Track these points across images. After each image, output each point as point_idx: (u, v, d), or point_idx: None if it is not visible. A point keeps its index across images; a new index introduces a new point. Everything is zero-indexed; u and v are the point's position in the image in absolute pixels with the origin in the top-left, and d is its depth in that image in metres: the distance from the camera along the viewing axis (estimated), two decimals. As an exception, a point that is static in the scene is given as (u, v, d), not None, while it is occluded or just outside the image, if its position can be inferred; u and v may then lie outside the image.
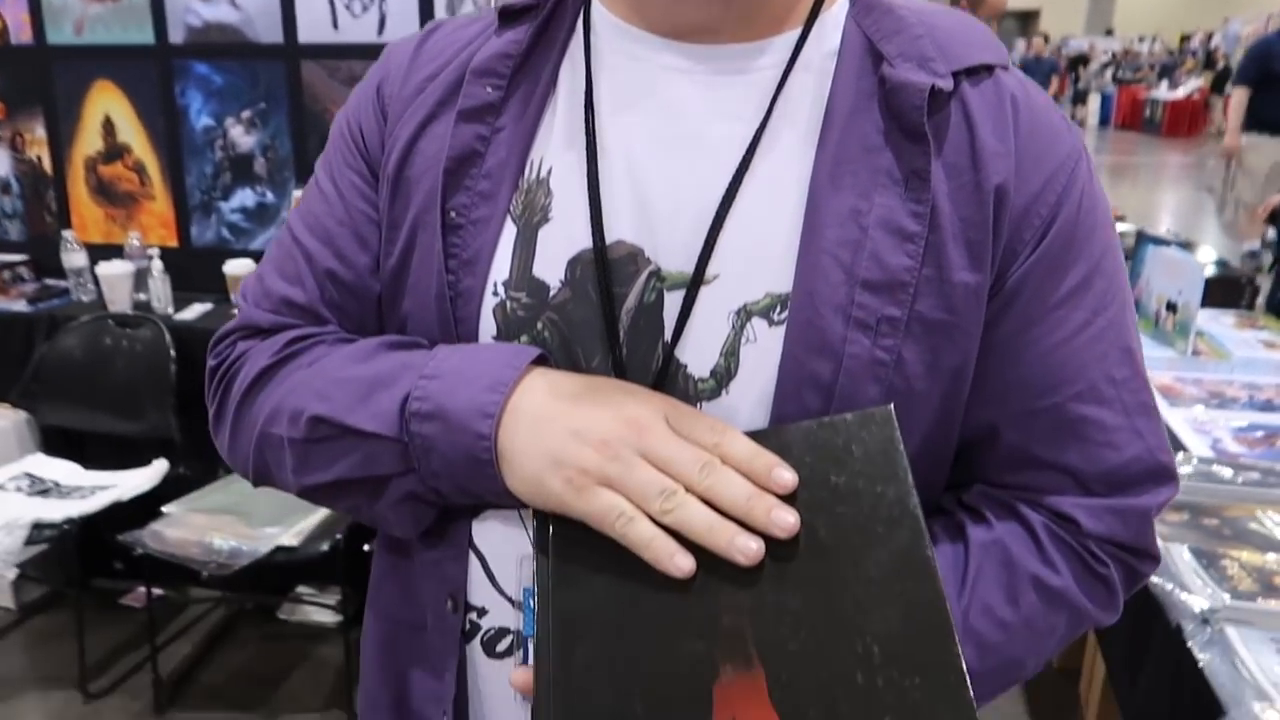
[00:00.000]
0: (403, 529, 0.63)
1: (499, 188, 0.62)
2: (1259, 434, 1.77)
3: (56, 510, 2.14)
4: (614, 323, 0.59)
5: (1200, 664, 1.13)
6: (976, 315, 0.59)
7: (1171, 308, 2.23)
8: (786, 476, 0.51)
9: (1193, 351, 2.17)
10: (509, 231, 0.62)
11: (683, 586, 0.49)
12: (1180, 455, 1.66)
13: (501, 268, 0.62)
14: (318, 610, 2.47)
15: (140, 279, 2.48)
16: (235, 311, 0.69)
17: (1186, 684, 1.15)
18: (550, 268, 0.61)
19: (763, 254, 0.59)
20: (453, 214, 0.62)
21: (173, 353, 2.32)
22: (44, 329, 2.48)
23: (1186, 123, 14.26)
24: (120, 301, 2.45)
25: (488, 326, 0.62)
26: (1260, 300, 3.05)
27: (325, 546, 2.05)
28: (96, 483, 2.30)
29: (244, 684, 2.33)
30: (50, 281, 2.65)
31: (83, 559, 2.40)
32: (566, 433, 0.54)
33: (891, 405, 0.54)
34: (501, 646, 0.64)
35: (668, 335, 0.59)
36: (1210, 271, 2.66)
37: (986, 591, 0.60)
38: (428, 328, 0.63)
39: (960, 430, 0.62)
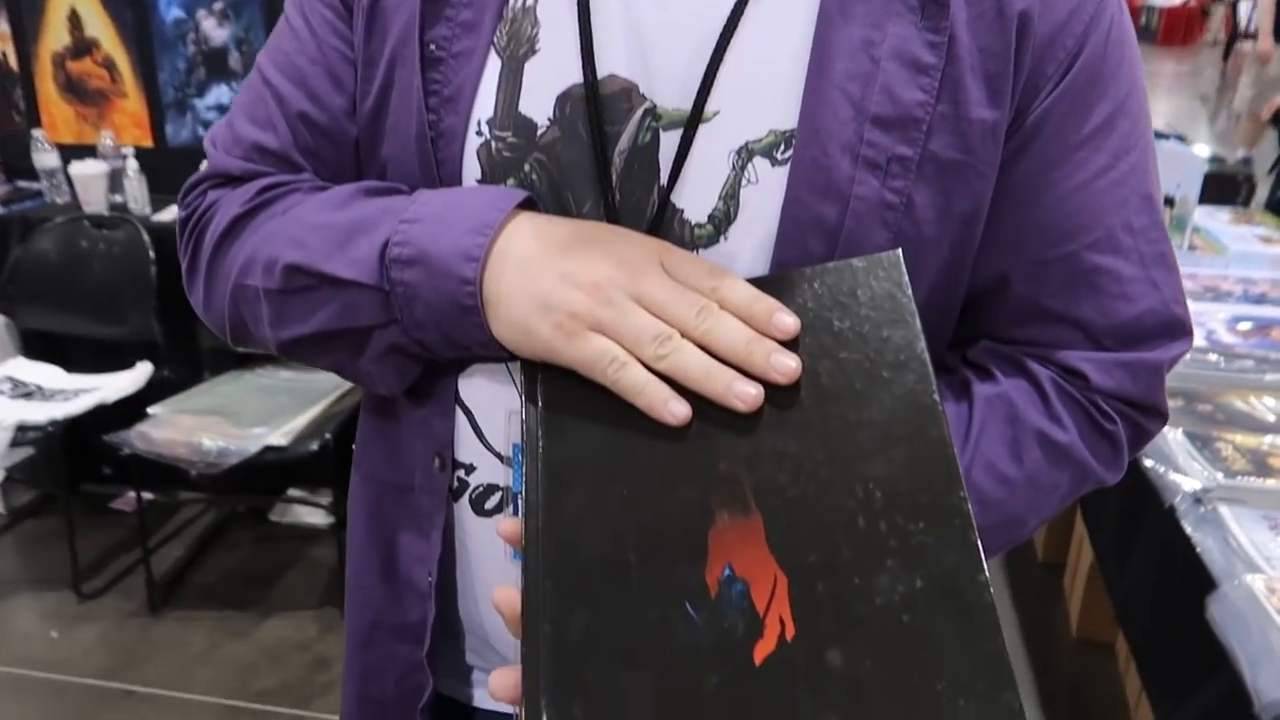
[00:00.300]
0: (387, 385, 0.61)
1: (481, 17, 0.58)
2: (1252, 325, 1.77)
3: (40, 412, 2.12)
4: (606, 165, 0.56)
5: (1192, 541, 1.14)
6: (993, 155, 0.56)
7: (1169, 202, 2.20)
8: (788, 321, 0.49)
9: (1189, 246, 2.16)
10: (493, 65, 0.58)
11: (677, 434, 0.47)
12: (1175, 344, 1.66)
13: (485, 105, 0.58)
14: (309, 512, 2.47)
15: (115, 180, 2.41)
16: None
17: (1178, 562, 1.16)
18: (537, 104, 0.57)
19: (766, 89, 0.55)
20: (432, 47, 0.58)
21: (152, 254, 2.27)
22: (18, 231, 2.42)
23: (1182, 30, 13.99)
24: (95, 203, 2.39)
25: (471, 169, 0.58)
26: (1259, 198, 3.02)
27: (314, 446, 2.04)
28: (80, 386, 2.27)
29: (238, 584, 2.35)
30: (22, 183, 2.58)
31: (71, 464, 2.38)
32: (555, 276, 0.51)
33: (899, 250, 0.51)
34: (490, 504, 0.63)
35: (663, 179, 0.56)
36: (1206, 168, 2.62)
37: (990, 447, 0.58)
38: (408, 172, 0.60)
39: (969, 281, 0.60)
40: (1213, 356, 1.59)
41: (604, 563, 0.43)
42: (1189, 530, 1.15)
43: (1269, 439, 1.32)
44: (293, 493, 2.48)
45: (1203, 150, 2.96)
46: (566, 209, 0.57)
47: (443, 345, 0.56)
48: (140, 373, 2.29)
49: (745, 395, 0.47)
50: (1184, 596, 1.12)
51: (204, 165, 0.66)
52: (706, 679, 0.40)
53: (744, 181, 0.55)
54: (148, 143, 2.52)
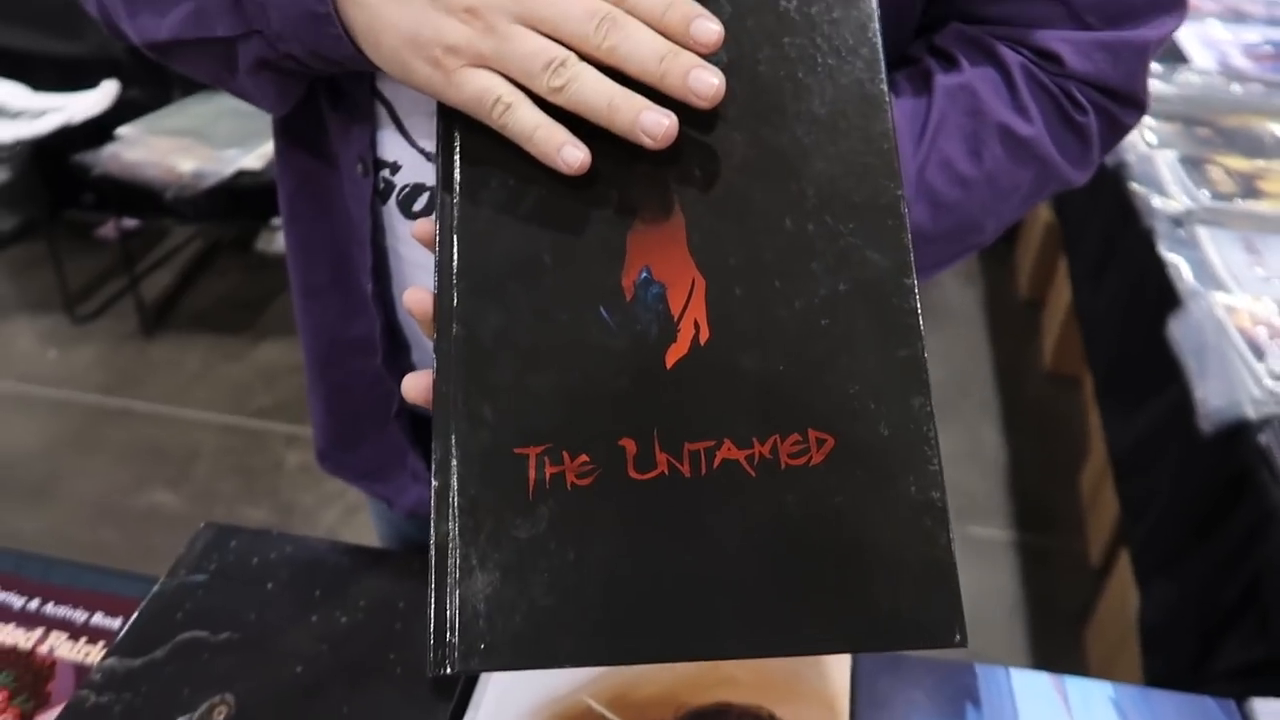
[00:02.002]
0: (270, 105, 0.54)
1: None
2: (1269, 48, 1.67)
3: (5, 132, 2.06)
4: None
5: (1165, 263, 1.12)
6: None
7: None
8: (711, 29, 0.41)
9: (1217, -35, 2.00)
10: None
11: (597, 131, 0.43)
12: (1182, 68, 1.57)
13: None
14: (294, 241, 2.46)
15: (56, -125, 2.21)
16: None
17: (1149, 283, 1.15)
18: None
19: None
20: None
21: (104, -40, 2.12)
22: (-40, -65, 2.24)
23: None
24: (38, -99, 2.19)
25: None
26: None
27: (290, 170, 1.99)
28: (45, 105, 2.19)
29: (228, 309, 2.38)
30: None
31: (52, 191, 2.35)
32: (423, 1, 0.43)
33: None
34: (418, 205, 0.59)
35: None
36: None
37: (947, 143, 0.54)
38: None
39: None
40: (1221, 80, 1.51)
41: (518, 264, 0.42)
42: (1164, 252, 1.14)
43: (1263, 162, 1.27)
44: (276, 222, 2.46)
45: None
46: None
47: (315, 61, 0.49)
48: (106, 92, 2.20)
49: (655, 128, 0.40)
50: (1149, 317, 1.12)
51: None
52: (616, 380, 0.39)
53: None
54: None
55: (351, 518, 1.82)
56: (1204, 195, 1.19)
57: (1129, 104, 0.58)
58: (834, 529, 0.36)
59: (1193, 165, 1.27)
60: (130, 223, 2.40)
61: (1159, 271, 1.13)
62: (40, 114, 2.15)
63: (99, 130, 2.14)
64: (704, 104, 0.41)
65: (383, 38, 0.44)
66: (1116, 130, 0.59)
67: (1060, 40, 0.54)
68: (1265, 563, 0.83)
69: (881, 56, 0.43)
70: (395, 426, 0.69)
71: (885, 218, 0.40)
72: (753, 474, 0.38)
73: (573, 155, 0.41)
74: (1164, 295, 1.10)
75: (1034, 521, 1.86)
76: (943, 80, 0.55)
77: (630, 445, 0.38)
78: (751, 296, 0.40)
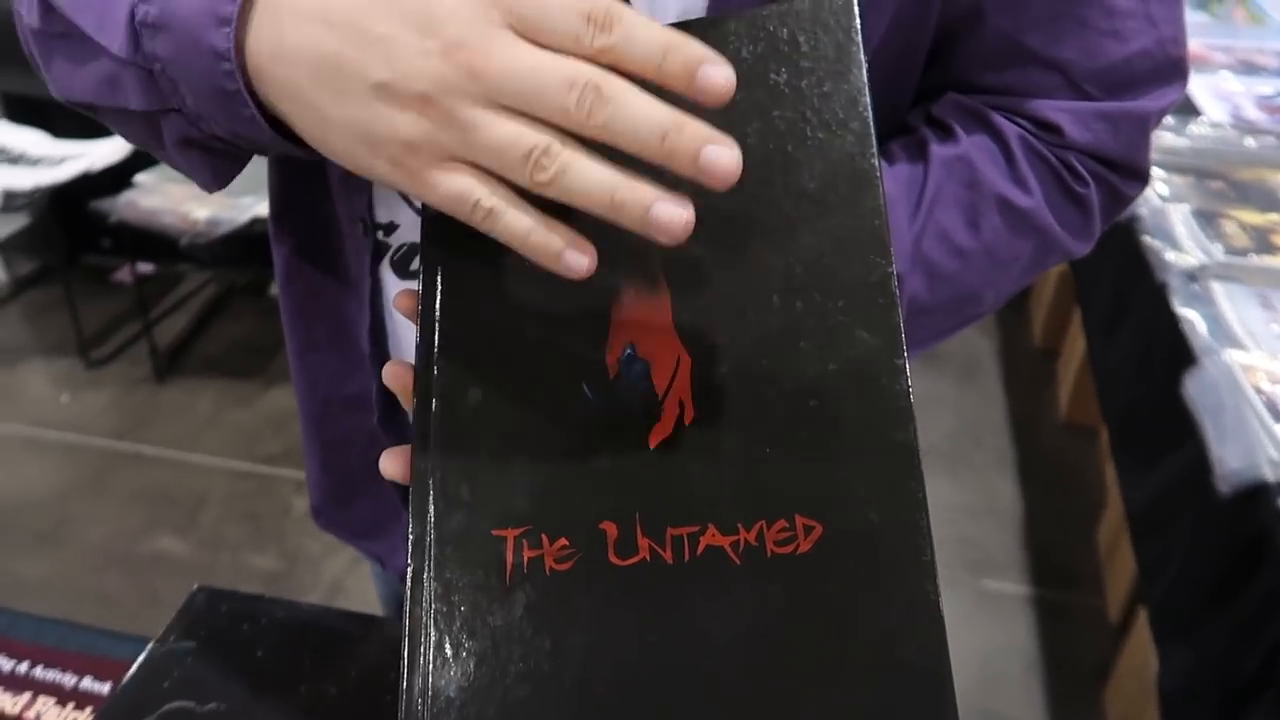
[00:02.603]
0: (202, 181, 0.48)
1: None
2: (1283, 101, 1.66)
3: (26, 178, 2.09)
4: None
5: (1179, 318, 1.11)
6: None
7: (1213, -34, 2.03)
8: (718, 78, 0.34)
9: (1229, 16, 2.01)
10: None
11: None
12: (1194, 120, 1.57)
13: None
14: (307, 286, 2.48)
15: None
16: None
17: (1163, 339, 1.14)
18: None
19: None
20: None
21: (127, 12, 2.16)
22: (-13, -13, 2.29)
23: None
24: (64, -45, 2.24)
25: None
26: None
27: (304, 217, 2.01)
28: (66, 152, 2.22)
29: (240, 354, 2.39)
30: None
31: (70, 236, 2.37)
32: (365, 89, 0.35)
33: None
34: (415, 265, 0.59)
35: None
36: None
37: (944, 214, 0.53)
38: None
39: (939, 14, 0.53)
40: (1234, 133, 1.50)
41: (500, 339, 0.41)
42: (1177, 307, 1.12)
43: (1277, 216, 1.26)
44: (291, 267, 2.48)
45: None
46: None
47: (243, 143, 0.43)
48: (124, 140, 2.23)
49: (671, 224, 0.34)
50: (1164, 373, 1.10)
51: None
52: (598, 461, 0.38)
53: None
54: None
55: (358, 566, 1.81)
56: (1218, 250, 1.18)
57: (1130, 175, 0.57)
58: (821, 622, 0.35)
59: (1206, 219, 1.25)
60: (146, 268, 2.42)
61: (1173, 327, 1.11)
62: (60, 161, 2.18)
63: (117, 177, 2.17)
64: (719, 185, 0.34)
65: (331, 138, 0.38)
66: (1118, 201, 0.58)
67: (1059, 110, 0.53)
68: (1287, 631, 0.80)
69: (872, 131, 0.42)
70: (389, 486, 0.68)
71: (876, 295, 0.39)
72: (738, 561, 0.36)
73: (577, 261, 0.36)
74: (1178, 351, 1.08)
75: (1051, 576, 1.82)
76: (939, 151, 0.54)
77: (611, 529, 0.37)
78: (738, 376, 0.39)
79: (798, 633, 0.35)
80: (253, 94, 0.39)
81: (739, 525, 0.36)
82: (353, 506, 0.72)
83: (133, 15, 0.40)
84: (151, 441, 2.13)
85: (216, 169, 0.47)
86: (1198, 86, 1.71)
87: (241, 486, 2.02)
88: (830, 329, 0.39)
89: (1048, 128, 0.54)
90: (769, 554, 0.36)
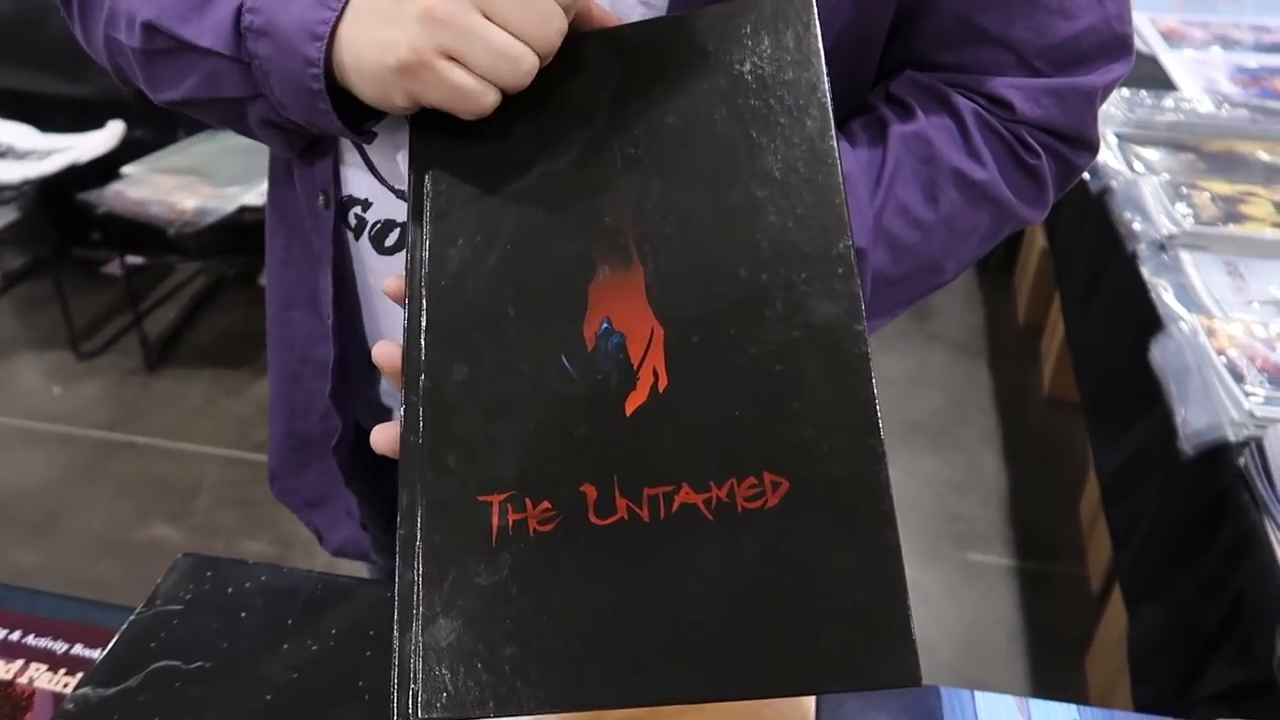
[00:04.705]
0: (279, 150, 0.60)
1: None
2: (1256, 74, 1.68)
3: (13, 172, 2.09)
4: None
5: (1148, 286, 1.13)
6: None
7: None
8: None
9: (1205, -8, 2.02)
10: None
11: (564, 189, 0.45)
12: (1168, 94, 1.59)
13: None
14: (297, 275, 2.48)
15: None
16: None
17: (1133, 306, 1.16)
18: None
19: None
20: None
21: (110, 4, 2.16)
22: (-30, -18, 2.29)
23: None
24: (47, -52, 2.25)
25: None
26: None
27: (291, 206, 2.02)
28: (52, 145, 2.23)
29: (231, 344, 2.40)
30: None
31: (60, 229, 2.38)
32: (388, 8, 0.45)
33: None
34: (390, 241, 0.61)
35: None
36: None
37: (904, 189, 0.55)
38: None
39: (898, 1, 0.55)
40: (1206, 106, 1.52)
41: (484, 317, 0.43)
42: (1146, 275, 1.14)
43: (1244, 186, 1.28)
44: (280, 257, 2.48)
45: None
46: None
47: (314, 129, 0.52)
48: (112, 132, 2.24)
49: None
50: (1134, 341, 1.12)
51: None
52: (577, 428, 0.40)
53: None
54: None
55: (350, 550, 1.83)
56: (1188, 220, 1.20)
57: (1079, 146, 0.59)
58: (789, 570, 0.37)
59: (1177, 190, 1.27)
60: (135, 259, 2.43)
61: (1142, 295, 1.13)
62: (47, 154, 2.19)
63: (104, 169, 2.17)
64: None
65: (364, 62, 0.46)
66: (1070, 170, 0.60)
67: (1010, 87, 0.56)
68: (1246, 585, 0.82)
69: (831, 115, 0.44)
70: (333, 460, 0.70)
71: (836, 267, 0.41)
72: (710, 517, 0.38)
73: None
74: (1147, 319, 1.10)
75: (1035, 548, 1.85)
76: (898, 129, 0.56)
77: (591, 491, 0.39)
78: (708, 344, 0.41)
79: (768, 580, 0.37)
80: (330, 92, 0.48)
81: (711, 483, 0.39)
82: (304, 475, 0.74)
83: (238, 21, 0.49)
84: (144, 431, 2.14)
85: (289, 141, 0.57)
86: (1173, 60, 1.73)
87: (234, 474, 2.04)
88: (794, 299, 0.41)
89: (1000, 104, 0.56)
90: (740, 509, 0.38)
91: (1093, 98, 0.57)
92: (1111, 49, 0.56)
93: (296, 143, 0.57)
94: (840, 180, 0.43)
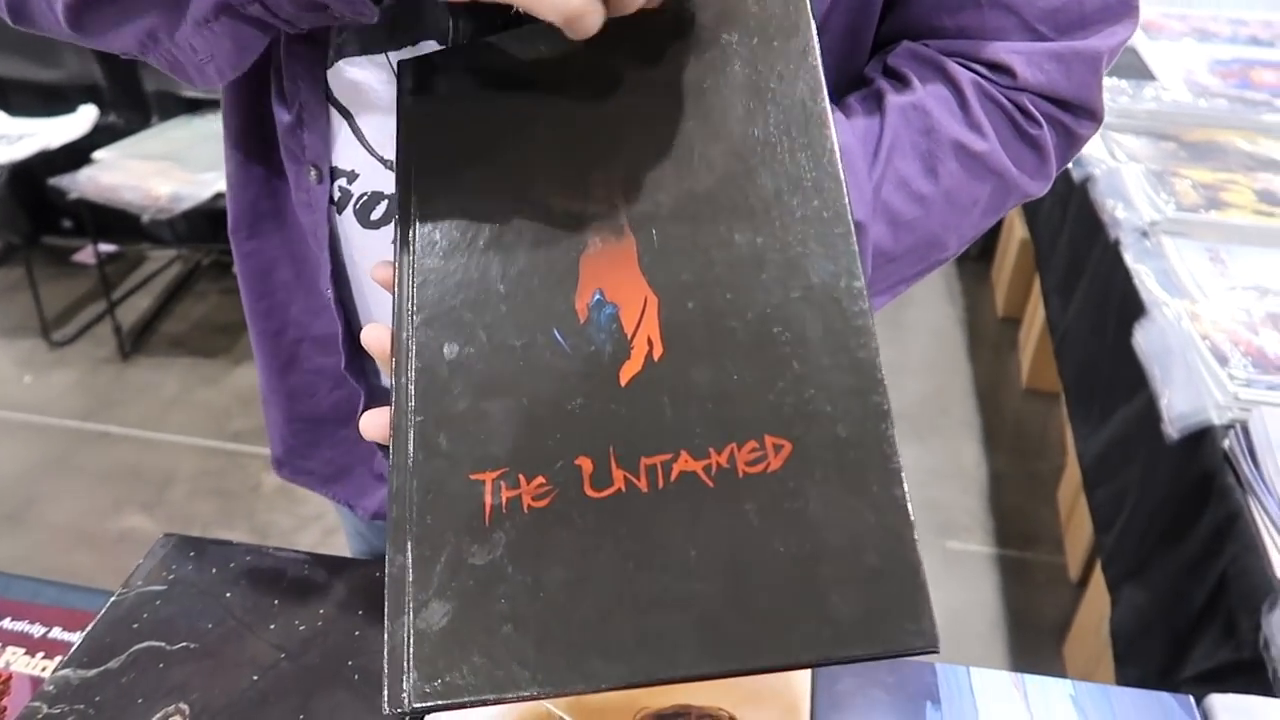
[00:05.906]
0: (219, 65, 0.48)
1: None
2: (1234, 66, 1.70)
3: (-18, 156, 2.06)
4: None
5: (1131, 273, 1.13)
6: None
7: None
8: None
9: (1183, -15, 2.04)
10: None
11: (555, 157, 0.44)
12: (1149, 84, 1.60)
13: None
14: (273, 264, 2.46)
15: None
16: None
17: (1116, 293, 1.16)
18: None
19: None
20: None
21: (82, -14, 2.12)
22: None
23: None
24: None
25: None
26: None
27: (268, 192, 1.99)
28: (23, 130, 2.19)
29: (206, 333, 2.37)
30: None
31: (31, 217, 2.34)
32: None
33: None
34: (376, 214, 0.59)
35: None
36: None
37: (902, 162, 0.54)
38: None
39: None
40: (1185, 98, 1.53)
41: (473, 294, 0.42)
42: (1129, 262, 1.15)
43: (1225, 175, 1.29)
44: (256, 245, 2.45)
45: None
46: None
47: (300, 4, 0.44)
48: (84, 116, 2.20)
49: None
50: (1117, 326, 1.13)
51: None
52: (570, 401, 0.39)
53: None
54: None
55: (329, 539, 1.81)
56: (1170, 207, 1.21)
57: (1083, 114, 0.58)
58: (795, 535, 0.35)
59: (1159, 178, 1.28)
60: (109, 248, 2.39)
61: (1125, 281, 1.14)
62: (18, 139, 2.15)
63: (76, 155, 2.14)
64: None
65: None
66: (1073, 141, 0.59)
67: (1011, 52, 0.55)
68: (1230, 565, 0.83)
69: (822, 78, 0.43)
70: (354, 431, 0.68)
71: (833, 226, 0.40)
72: (711, 484, 0.37)
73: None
74: (1130, 304, 1.11)
75: (1014, 536, 1.86)
76: (895, 100, 0.55)
77: (586, 464, 0.38)
78: (703, 310, 0.40)
79: (773, 547, 0.35)
80: None
81: (710, 449, 0.37)
82: (319, 453, 0.73)
83: None
84: (118, 421, 2.11)
85: (241, 41, 0.47)
86: (1153, 52, 1.74)
87: (210, 464, 2.01)
88: (790, 259, 0.40)
89: (1001, 69, 0.55)
90: (741, 474, 0.36)
91: (1098, 62, 0.56)
92: (1115, 10, 0.55)
93: (252, 44, 0.48)
94: (833, 140, 0.42)
